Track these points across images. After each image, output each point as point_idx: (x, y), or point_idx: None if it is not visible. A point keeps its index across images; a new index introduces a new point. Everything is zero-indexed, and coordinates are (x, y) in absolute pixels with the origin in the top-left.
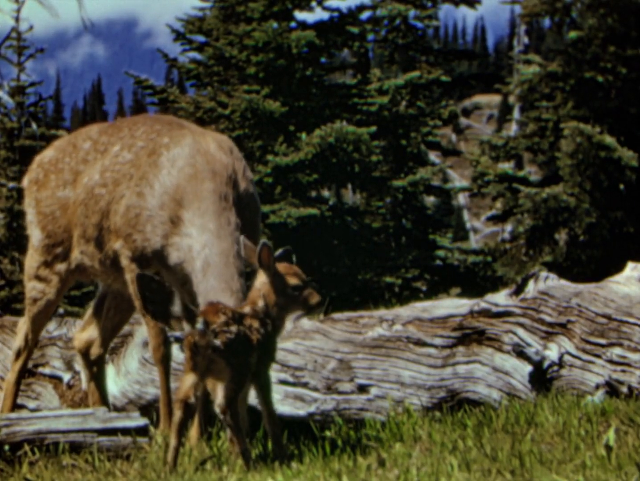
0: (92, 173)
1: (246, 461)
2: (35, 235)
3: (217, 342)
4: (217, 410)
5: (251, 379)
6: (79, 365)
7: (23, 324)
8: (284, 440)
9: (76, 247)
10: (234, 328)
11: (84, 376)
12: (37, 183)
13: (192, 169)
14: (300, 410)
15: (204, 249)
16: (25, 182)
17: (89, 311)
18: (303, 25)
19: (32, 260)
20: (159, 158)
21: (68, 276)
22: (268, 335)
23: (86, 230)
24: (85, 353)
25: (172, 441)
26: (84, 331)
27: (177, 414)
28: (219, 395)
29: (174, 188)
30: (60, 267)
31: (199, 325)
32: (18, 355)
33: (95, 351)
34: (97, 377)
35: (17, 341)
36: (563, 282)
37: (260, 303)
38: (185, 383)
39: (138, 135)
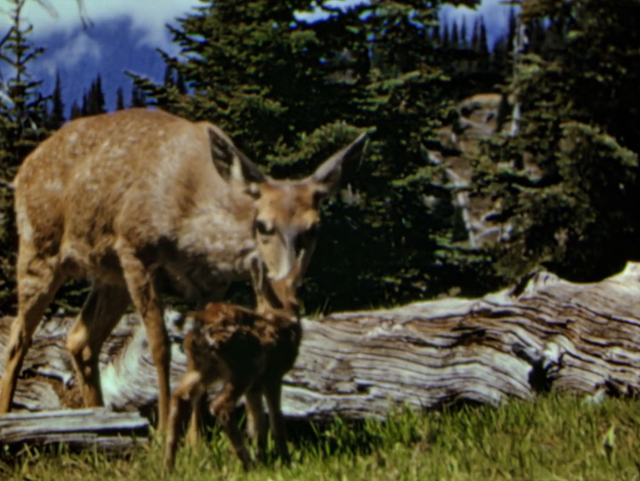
0: (82, 169)
1: (244, 463)
2: (26, 230)
3: (212, 340)
4: (211, 409)
5: (263, 382)
6: None
7: (16, 324)
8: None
9: (67, 240)
10: (232, 328)
11: (78, 377)
12: (27, 181)
13: (194, 152)
14: (300, 410)
15: (225, 221)
16: (15, 182)
17: (81, 312)
18: (303, 25)
19: (23, 256)
20: (158, 149)
21: (59, 270)
22: (291, 344)
23: (77, 226)
24: (78, 354)
25: (168, 438)
26: (76, 332)
27: (172, 410)
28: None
29: (179, 172)
30: (51, 260)
31: (190, 325)
32: (12, 354)
33: (87, 352)
34: (92, 378)
35: (11, 340)
36: (563, 281)
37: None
38: (185, 380)
39: (127, 129)
